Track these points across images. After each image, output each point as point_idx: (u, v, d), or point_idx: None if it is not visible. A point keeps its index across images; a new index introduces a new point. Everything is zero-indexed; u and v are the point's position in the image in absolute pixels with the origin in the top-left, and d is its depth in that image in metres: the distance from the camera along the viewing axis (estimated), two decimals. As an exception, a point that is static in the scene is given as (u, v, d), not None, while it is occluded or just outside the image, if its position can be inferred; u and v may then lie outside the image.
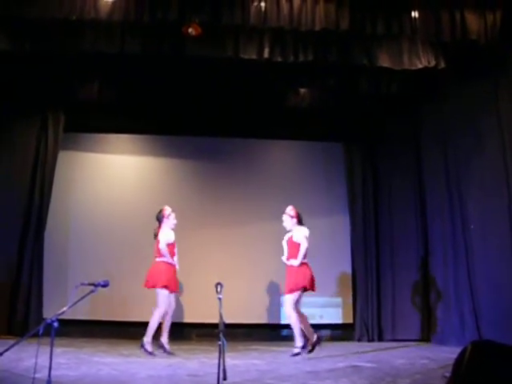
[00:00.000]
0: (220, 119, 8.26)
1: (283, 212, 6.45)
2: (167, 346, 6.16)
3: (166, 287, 6.13)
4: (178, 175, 8.47)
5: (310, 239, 6.21)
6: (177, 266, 6.36)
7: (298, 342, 5.96)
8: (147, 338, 6.07)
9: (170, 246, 6.30)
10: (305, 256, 6.14)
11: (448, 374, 1.54)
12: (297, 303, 6.03)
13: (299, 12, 5.77)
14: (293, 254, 6.15)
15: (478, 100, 6.78)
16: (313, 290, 6.15)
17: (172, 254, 6.30)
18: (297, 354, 5.92)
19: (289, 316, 6.06)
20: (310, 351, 5.96)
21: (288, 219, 6.35)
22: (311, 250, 6.14)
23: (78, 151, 8.33)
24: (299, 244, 6.13)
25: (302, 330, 6.01)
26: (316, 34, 5.98)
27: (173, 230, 6.41)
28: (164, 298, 6.13)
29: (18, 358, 4.94)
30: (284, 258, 6.25)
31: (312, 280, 6.09)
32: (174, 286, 6.31)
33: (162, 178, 8.45)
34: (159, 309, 6.12)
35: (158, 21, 5.76)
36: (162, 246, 6.20)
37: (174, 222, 6.45)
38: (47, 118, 7.85)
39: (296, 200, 8.10)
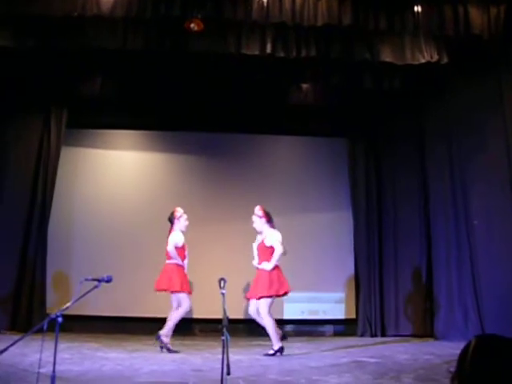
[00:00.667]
0: (223, 115, 8.24)
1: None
2: (170, 346, 6.14)
3: (182, 291, 6.16)
4: (180, 171, 8.47)
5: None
6: (185, 269, 6.33)
7: (276, 345, 5.87)
8: (165, 332, 6.07)
9: (180, 248, 6.27)
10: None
11: (453, 369, 1.53)
12: (270, 307, 5.95)
13: (301, 7, 5.76)
14: (264, 258, 6.03)
15: (483, 96, 6.76)
16: (287, 293, 6.06)
17: (182, 257, 6.29)
18: (271, 355, 5.83)
19: (264, 319, 5.93)
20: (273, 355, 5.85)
21: (257, 220, 6.19)
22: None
23: (81, 147, 8.34)
24: (271, 248, 6.01)
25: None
26: (318, 29, 5.96)
27: (183, 232, 6.38)
28: (186, 299, 6.17)
29: (22, 354, 4.98)
30: (255, 263, 6.11)
31: (286, 283, 6.00)
32: (187, 288, 6.33)
33: (164, 173, 8.46)
34: (182, 309, 6.15)
35: (161, 16, 5.76)
36: (170, 248, 6.19)
37: (186, 223, 6.41)
38: (50, 115, 7.86)
39: (299, 196, 8.17)
